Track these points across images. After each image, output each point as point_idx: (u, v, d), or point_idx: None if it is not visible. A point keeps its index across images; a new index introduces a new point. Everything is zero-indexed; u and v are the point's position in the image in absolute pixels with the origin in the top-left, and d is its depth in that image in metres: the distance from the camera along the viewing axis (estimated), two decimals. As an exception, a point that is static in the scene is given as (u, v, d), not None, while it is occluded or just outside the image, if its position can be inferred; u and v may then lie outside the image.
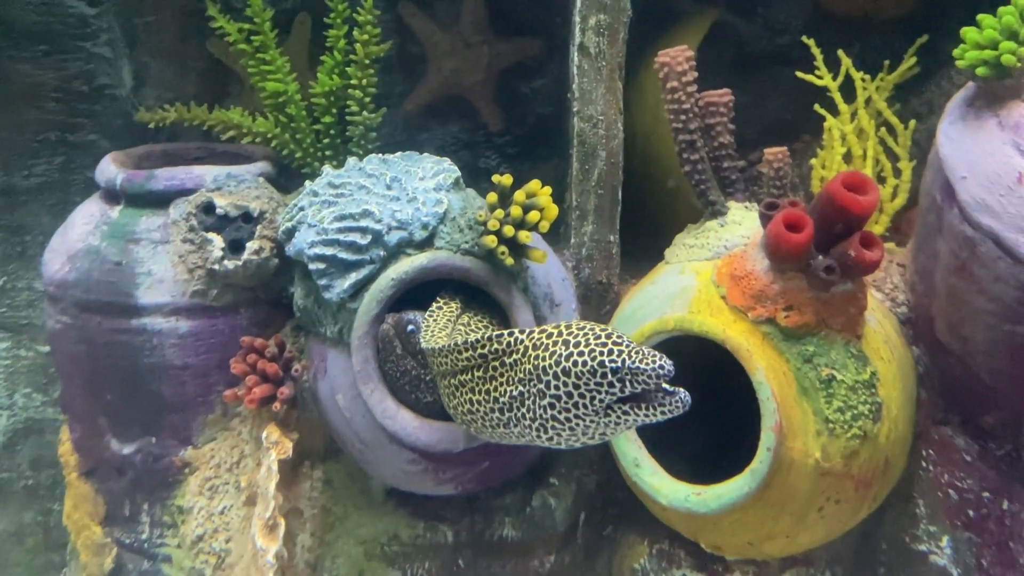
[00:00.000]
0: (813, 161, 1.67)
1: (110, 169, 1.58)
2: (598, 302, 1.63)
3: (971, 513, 1.35)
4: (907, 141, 1.63)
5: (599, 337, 1.04)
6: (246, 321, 1.54)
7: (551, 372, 1.05)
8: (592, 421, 1.06)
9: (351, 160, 1.56)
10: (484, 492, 1.55)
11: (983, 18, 1.26)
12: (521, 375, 1.10)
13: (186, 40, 2.03)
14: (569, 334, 1.07)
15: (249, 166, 1.62)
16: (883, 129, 1.66)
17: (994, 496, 1.35)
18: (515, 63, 2.11)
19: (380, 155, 1.58)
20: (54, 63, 1.98)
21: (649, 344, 1.35)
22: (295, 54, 1.96)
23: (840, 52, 1.67)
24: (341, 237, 1.39)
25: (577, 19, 1.56)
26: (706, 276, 1.41)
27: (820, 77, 1.68)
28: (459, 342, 1.18)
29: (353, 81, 1.69)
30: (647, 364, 1.00)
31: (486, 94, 2.11)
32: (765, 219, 1.31)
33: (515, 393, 1.11)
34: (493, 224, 1.33)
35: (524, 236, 1.34)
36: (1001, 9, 1.24)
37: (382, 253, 1.39)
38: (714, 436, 1.55)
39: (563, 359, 1.05)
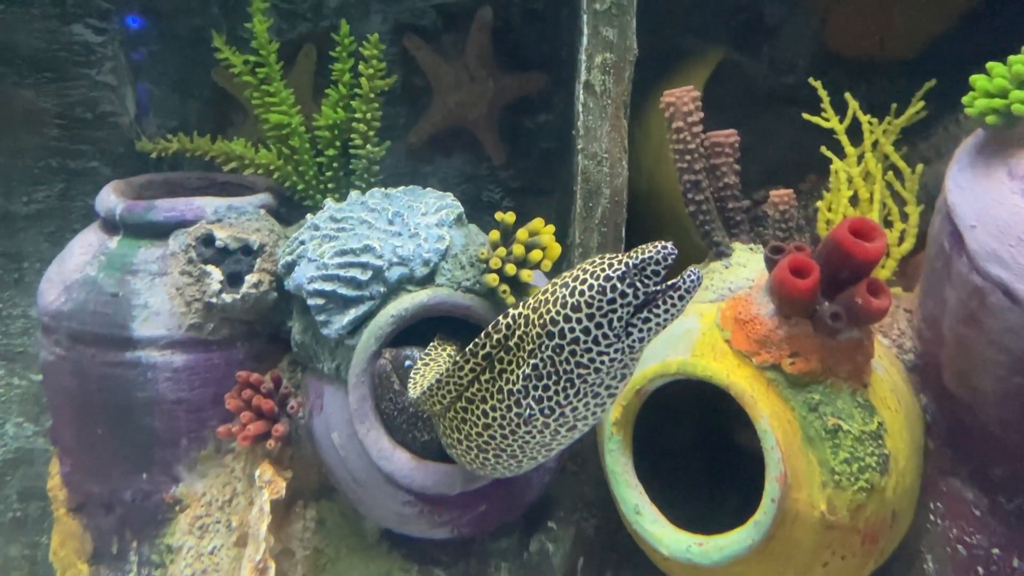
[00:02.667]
0: (819, 204, 1.66)
1: (110, 199, 1.57)
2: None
3: (980, 570, 1.32)
4: (914, 185, 1.62)
5: (592, 263, 1.04)
6: (242, 355, 1.52)
7: (561, 316, 1.03)
8: (617, 350, 1.03)
9: (354, 193, 1.55)
10: (480, 536, 1.52)
11: (993, 66, 1.25)
12: (531, 345, 1.07)
13: (191, 69, 2.03)
14: (564, 279, 1.06)
15: (251, 198, 1.61)
16: (890, 173, 1.65)
17: (1004, 553, 1.31)
18: (520, 97, 2.12)
19: (383, 189, 1.57)
20: (57, 90, 1.98)
21: (652, 387, 1.33)
22: (299, 85, 1.97)
23: (847, 95, 1.67)
24: (341, 272, 1.37)
25: (583, 57, 1.56)
26: (710, 318, 1.38)
27: (827, 119, 1.67)
28: (458, 359, 1.14)
29: (357, 115, 1.68)
30: (648, 254, 1.00)
31: (490, 128, 2.11)
32: (771, 263, 1.29)
33: (528, 371, 1.07)
34: (495, 262, 1.31)
35: (526, 275, 1.32)
36: (1011, 58, 1.23)
37: (382, 289, 1.38)
38: (718, 480, 1.52)
39: (568, 297, 1.03)
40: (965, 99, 1.27)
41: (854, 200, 1.64)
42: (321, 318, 1.38)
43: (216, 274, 1.47)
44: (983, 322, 1.23)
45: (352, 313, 1.37)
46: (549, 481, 1.50)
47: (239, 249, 1.49)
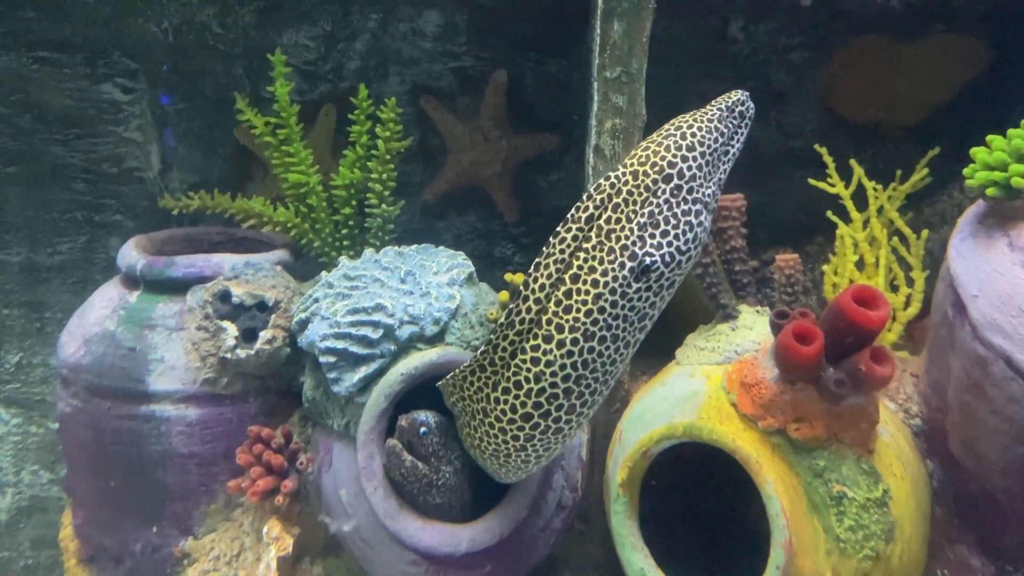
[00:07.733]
0: (825, 267, 1.67)
1: (131, 255, 1.61)
2: (608, 400, 1.62)
3: (988, 641, 1.30)
4: (920, 250, 1.63)
5: (684, 118, 1.16)
6: (254, 410, 1.54)
7: (679, 157, 1.12)
8: (716, 183, 1.16)
9: (368, 251, 1.59)
10: (486, 596, 1.51)
11: (993, 139, 1.28)
12: (643, 195, 1.12)
13: (214, 127, 2.10)
14: (664, 133, 1.15)
15: (267, 254, 1.65)
16: (895, 238, 1.66)
17: (1012, 625, 1.30)
18: (532, 157, 2.16)
19: (396, 248, 1.60)
20: (85, 146, 2.04)
21: (658, 449, 1.34)
22: (319, 143, 2.02)
23: (852, 161, 1.69)
24: (353, 331, 1.40)
25: (593, 122, 1.60)
26: (716, 381, 1.39)
27: (832, 184, 1.69)
28: (557, 230, 1.16)
29: (373, 175, 1.72)
30: (735, 97, 1.19)
31: (503, 185, 2.15)
32: (775, 328, 1.30)
33: (643, 220, 1.12)
34: (504, 324, 1.33)
35: (534, 336, 1.34)
36: (1011, 132, 1.25)
37: (393, 347, 1.40)
38: (724, 540, 1.51)
39: (682, 140, 1.13)
40: (966, 171, 1.29)
41: (860, 264, 1.65)
42: (332, 375, 1.41)
43: (231, 330, 1.50)
44: (986, 391, 1.23)
45: (363, 371, 1.40)
46: (555, 541, 1.50)
47: (255, 305, 1.52)
